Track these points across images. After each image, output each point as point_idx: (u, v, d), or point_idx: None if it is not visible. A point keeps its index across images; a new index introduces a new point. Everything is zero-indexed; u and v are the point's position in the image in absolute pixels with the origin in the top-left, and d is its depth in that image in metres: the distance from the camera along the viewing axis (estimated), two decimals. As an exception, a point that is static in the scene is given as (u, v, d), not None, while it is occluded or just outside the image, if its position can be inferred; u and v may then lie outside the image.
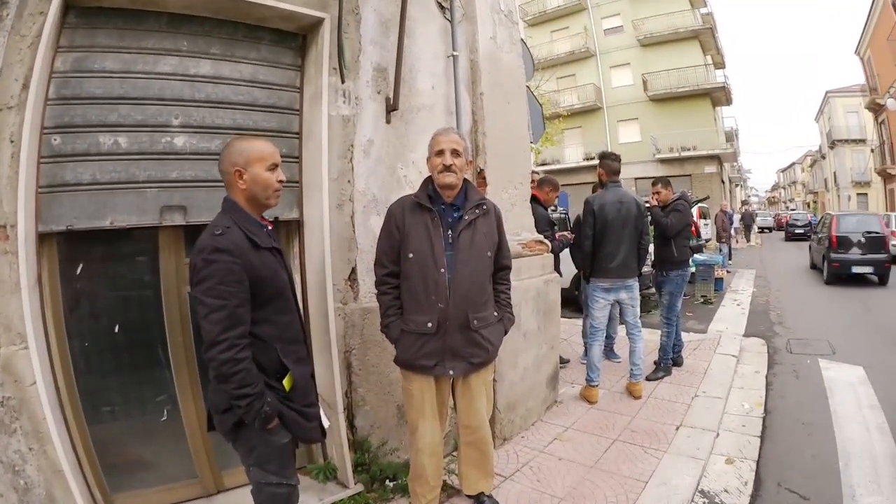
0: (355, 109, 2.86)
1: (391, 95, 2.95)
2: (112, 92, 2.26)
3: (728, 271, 11.51)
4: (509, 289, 2.47)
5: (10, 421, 1.96)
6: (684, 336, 5.18)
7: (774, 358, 5.36)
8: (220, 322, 1.59)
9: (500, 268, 2.41)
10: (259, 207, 1.81)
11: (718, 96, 23.15)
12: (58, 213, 2.17)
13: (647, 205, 4.63)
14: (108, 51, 2.26)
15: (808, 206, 45.50)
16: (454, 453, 2.85)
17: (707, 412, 3.74)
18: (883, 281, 9.99)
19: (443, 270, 2.17)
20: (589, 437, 3.40)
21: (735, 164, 31.11)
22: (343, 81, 2.81)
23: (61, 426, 2.09)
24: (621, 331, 5.02)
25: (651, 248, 5.02)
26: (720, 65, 25.46)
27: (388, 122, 2.98)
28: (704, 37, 22.88)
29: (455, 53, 3.23)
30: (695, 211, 10.84)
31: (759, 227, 27.85)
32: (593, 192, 4.65)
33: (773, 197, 79.12)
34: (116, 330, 2.42)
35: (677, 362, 4.76)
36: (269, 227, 1.87)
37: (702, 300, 8.56)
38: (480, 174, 3.36)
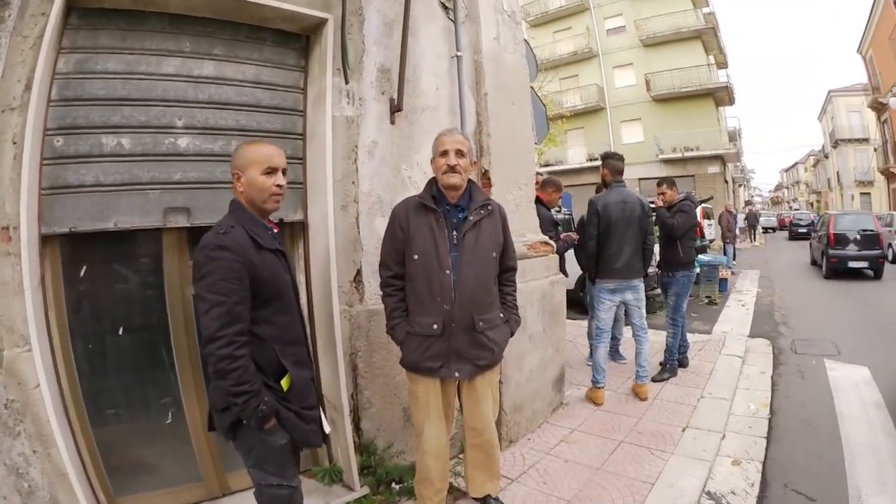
0: (359, 110, 2.85)
1: (395, 96, 2.93)
2: (115, 93, 2.26)
3: (732, 272, 11.48)
4: (515, 290, 2.45)
5: (14, 424, 1.96)
6: (689, 337, 5.17)
7: (780, 358, 5.32)
8: (220, 318, 1.60)
9: (506, 269, 2.39)
10: (258, 211, 1.81)
11: (721, 96, 23.11)
12: (61, 214, 2.16)
13: (653, 206, 4.62)
14: (110, 52, 2.26)
15: (812, 205, 45.38)
16: (460, 455, 2.84)
17: (713, 413, 3.72)
18: (877, 275, 10.87)
19: (448, 272, 2.15)
20: (595, 438, 3.38)
21: (738, 164, 30.97)
22: (347, 82, 2.79)
23: (65, 429, 2.08)
24: (627, 332, 4.99)
25: (656, 248, 5.01)
26: (723, 65, 25.38)
27: (392, 122, 2.96)
28: (707, 37, 22.83)
29: (459, 54, 3.21)
30: (699, 211, 10.81)
31: (762, 228, 27.82)
32: (597, 192, 4.63)
33: (777, 197, 78.94)
34: (120, 332, 2.41)
35: (683, 363, 4.74)
36: (275, 231, 1.88)
37: (706, 301, 8.54)
38: (485, 175, 3.34)
